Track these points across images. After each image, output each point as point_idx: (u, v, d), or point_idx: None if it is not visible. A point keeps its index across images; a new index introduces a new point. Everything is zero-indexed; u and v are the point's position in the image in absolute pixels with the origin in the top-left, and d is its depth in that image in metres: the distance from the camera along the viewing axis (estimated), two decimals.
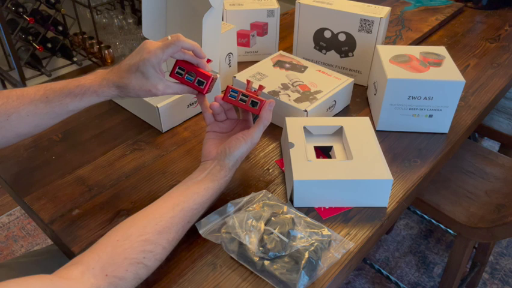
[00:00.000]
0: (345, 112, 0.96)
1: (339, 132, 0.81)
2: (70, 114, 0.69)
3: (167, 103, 0.85)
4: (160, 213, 0.60)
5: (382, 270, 1.48)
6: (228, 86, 0.72)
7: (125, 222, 0.58)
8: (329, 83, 0.91)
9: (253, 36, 1.10)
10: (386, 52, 0.92)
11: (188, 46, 0.67)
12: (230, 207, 0.69)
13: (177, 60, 0.70)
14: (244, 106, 0.71)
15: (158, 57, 0.65)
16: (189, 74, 0.71)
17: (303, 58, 1.07)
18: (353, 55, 1.02)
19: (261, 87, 0.73)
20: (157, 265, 0.57)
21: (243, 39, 1.10)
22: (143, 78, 0.66)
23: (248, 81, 0.73)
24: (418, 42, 1.23)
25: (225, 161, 0.67)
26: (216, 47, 0.91)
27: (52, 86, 0.67)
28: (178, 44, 0.66)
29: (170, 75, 0.71)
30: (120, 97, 0.70)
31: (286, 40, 1.24)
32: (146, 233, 0.56)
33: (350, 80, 0.93)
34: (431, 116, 0.87)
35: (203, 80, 0.71)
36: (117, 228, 0.57)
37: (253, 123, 0.71)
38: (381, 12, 0.96)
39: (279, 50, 1.06)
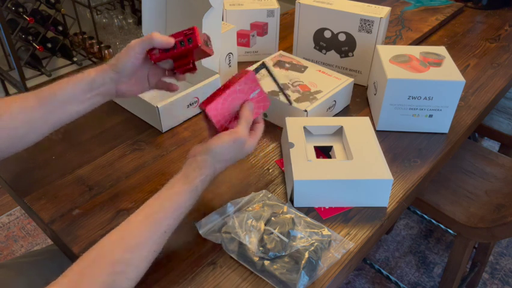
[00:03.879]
0: (345, 112, 0.96)
1: (339, 132, 0.81)
2: (60, 106, 0.65)
3: (167, 103, 0.85)
4: (131, 228, 0.56)
5: (382, 270, 1.48)
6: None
7: (100, 241, 0.54)
8: (329, 83, 0.91)
9: (253, 36, 1.10)
10: (386, 52, 0.92)
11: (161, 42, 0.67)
12: (230, 207, 0.69)
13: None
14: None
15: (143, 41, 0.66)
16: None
17: (303, 58, 1.06)
18: (353, 55, 1.02)
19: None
20: (132, 285, 0.54)
21: (243, 39, 1.10)
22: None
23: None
24: (418, 42, 1.23)
25: (202, 156, 0.62)
26: (215, 47, 0.91)
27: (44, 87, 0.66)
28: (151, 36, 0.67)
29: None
30: (108, 74, 0.66)
31: (286, 40, 1.24)
32: (116, 253, 0.53)
33: (350, 80, 0.93)
34: (431, 116, 0.87)
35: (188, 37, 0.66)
36: (93, 248, 0.54)
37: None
38: (381, 12, 0.96)
39: (279, 50, 1.06)
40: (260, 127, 0.69)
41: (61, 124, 0.67)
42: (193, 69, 0.70)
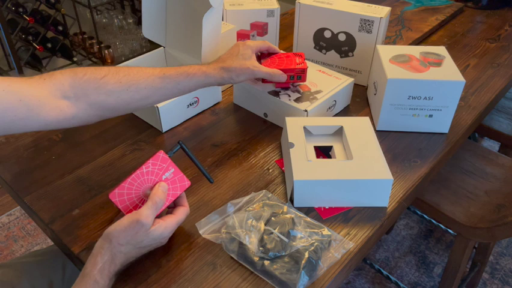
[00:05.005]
0: (345, 112, 0.96)
1: (339, 132, 0.81)
2: (177, 93, 0.76)
3: (167, 103, 0.85)
4: None
5: (382, 270, 1.48)
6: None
7: None
8: (329, 83, 0.91)
9: (253, 36, 1.10)
10: (386, 52, 0.92)
11: (273, 49, 0.89)
12: (230, 207, 0.69)
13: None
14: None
15: (255, 44, 0.84)
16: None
17: None
18: (353, 55, 1.02)
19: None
20: None
21: (243, 39, 1.10)
22: (243, 59, 0.80)
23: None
24: (418, 42, 1.23)
25: (99, 242, 0.58)
26: (216, 47, 0.91)
27: (168, 67, 0.75)
28: (268, 43, 0.87)
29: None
30: (223, 82, 0.79)
31: (286, 40, 1.24)
32: None
33: (350, 79, 0.93)
34: (431, 116, 0.87)
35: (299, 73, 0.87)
36: None
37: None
38: (381, 12, 0.96)
39: None
40: (181, 210, 0.64)
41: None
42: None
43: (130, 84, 0.70)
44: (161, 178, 0.64)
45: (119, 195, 0.62)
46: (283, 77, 0.84)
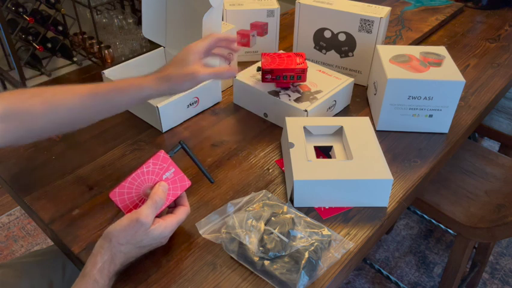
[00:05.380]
0: (345, 112, 0.96)
1: (339, 132, 0.81)
2: (113, 111, 0.71)
3: (167, 103, 0.85)
4: None
5: (382, 270, 1.48)
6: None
7: None
8: (329, 82, 0.91)
9: (253, 36, 1.10)
10: (386, 52, 0.92)
11: (223, 37, 0.77)
12: (230, 207, 0.69)
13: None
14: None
15: (197, 45, 0.73)
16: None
17: None
18: (353, 55, 1.02)
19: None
20: None
21: (243, 39, 1.10)
22: (184, 65, 0.71)
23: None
24: (418, 42, 1.23)
25: (99, 241, 0.58)
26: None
27: (101, 84, 0.70)
28: (213, 36, 0.75)
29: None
30: (164, 93, 0.72)
31: (286, 40, 1.24)
32: None
33: (350, 79, 0.93)
34: (431, 116, 0.87)
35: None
36: None
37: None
38: (381, 12, 0.96)
39: (279, 50, 1.06)
40: (182, 210, 0.64)
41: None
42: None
43: (57, 105, 0.67)
44: (161, 178, 0.64)
45: (119, 195, 0.62)
46: (231, 73, 0.76)
